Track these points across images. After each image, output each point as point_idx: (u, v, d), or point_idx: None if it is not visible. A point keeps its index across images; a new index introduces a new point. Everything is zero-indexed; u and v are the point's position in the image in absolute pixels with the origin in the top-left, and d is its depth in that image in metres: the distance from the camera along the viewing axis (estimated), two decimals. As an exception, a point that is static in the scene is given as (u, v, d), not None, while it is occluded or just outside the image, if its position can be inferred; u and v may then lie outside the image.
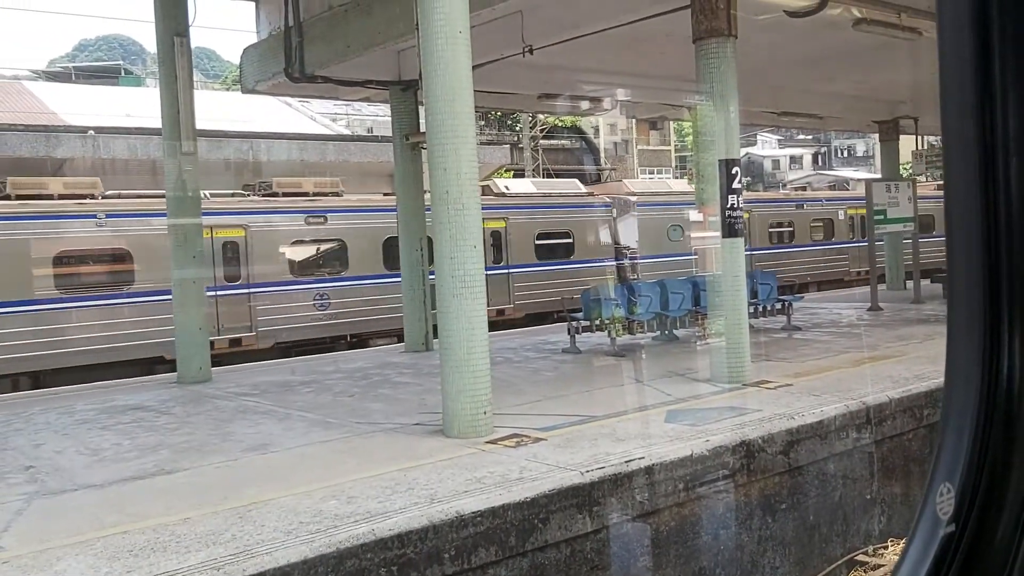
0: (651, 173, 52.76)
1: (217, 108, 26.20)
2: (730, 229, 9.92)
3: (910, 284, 19.31)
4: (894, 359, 11.01)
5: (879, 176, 23.34)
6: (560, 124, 43.37)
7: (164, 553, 5.09)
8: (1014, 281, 0.92)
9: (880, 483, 8.56)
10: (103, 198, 16.97)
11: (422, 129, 12.63)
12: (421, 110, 12.55)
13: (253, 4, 14.90)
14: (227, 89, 50.44)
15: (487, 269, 8.11)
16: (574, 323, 13.47)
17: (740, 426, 7.68)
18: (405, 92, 14.31)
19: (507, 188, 23.50)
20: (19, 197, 16.08)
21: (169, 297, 13.00)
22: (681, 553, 6.87)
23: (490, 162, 27.28)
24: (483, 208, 8.32)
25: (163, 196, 12.91)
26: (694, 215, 21.02)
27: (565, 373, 11.60)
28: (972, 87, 0.94)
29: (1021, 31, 0.91)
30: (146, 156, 21.24)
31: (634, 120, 46.21)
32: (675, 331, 14.11)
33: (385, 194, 20.34)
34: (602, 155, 49.46)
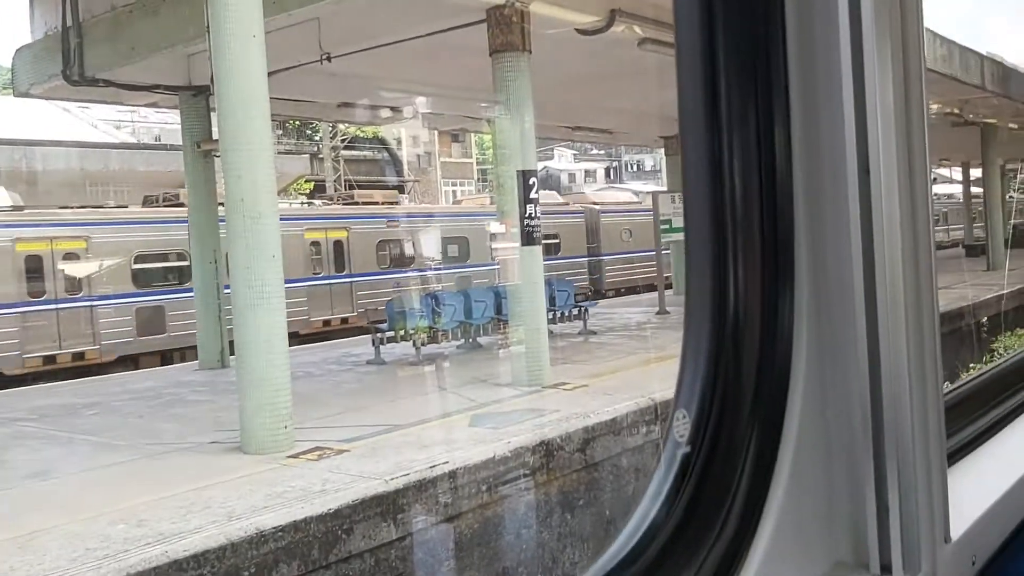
0: (454, 185, 53.29)
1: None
2: (528, 237, 10.24)
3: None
4: (679, 357, 11.70)
5: (665, 189, 24.76)
6: (362, 135, 42.95)
7: (-74, 593, 4.67)
8: (736, 226, 1.06)
9: (669, 475, 9.07)
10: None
11: (215, 136, 12.20)
12: (214, 116, 12.11)
13: (27, 1, 13.84)
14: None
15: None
16: (378, 334, 13.39)
17: (540, 426, 7.95)
18: (196, 98, 13.75)
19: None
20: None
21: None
22: (485, 554, 7.01)
23: (289, 172, 26.60)
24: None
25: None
26: (496, 226, 21.59)
27: (369, 384, 11.54)
28: (701, 83, 1.08)
29: (739, 25, 1.05)
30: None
31: (436, 132, 46.55)
32: (479, 339, 14.36)
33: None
34: (405, 167, 49.45)
